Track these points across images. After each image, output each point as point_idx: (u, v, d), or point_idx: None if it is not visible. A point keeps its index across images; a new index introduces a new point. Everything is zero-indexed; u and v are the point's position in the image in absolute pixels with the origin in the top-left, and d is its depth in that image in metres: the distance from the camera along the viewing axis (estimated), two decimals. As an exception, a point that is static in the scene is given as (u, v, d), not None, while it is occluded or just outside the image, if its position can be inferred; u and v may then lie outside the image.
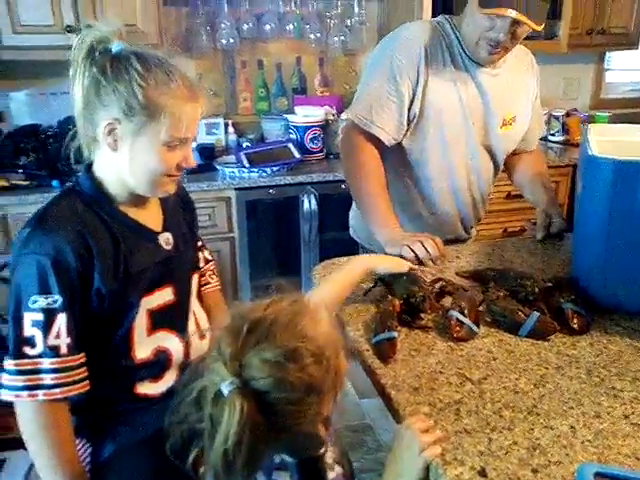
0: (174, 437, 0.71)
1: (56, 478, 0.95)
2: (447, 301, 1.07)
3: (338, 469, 0.75)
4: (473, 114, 1.40)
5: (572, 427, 0.76)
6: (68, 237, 0.93)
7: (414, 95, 1.35)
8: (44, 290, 0.91)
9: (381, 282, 1.14)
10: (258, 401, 0.65)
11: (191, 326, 1.13)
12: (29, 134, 2.26)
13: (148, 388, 1.05)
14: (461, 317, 0.99)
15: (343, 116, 2.60)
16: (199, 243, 1.26)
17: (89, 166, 1.02)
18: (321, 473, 0.52)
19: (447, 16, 1.41)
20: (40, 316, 0.91)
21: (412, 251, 1.22)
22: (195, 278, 1.16)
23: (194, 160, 1.03)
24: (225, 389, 0.65)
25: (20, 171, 2.17)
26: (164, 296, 1.06)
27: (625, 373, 0.89)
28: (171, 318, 1.08)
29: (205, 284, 1.28)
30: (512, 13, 1.21)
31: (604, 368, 0.90)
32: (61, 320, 0.92)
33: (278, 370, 0.65)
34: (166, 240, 1.08)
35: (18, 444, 1.87)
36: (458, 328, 0.98)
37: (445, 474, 0.68)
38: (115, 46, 0.93)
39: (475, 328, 0.99)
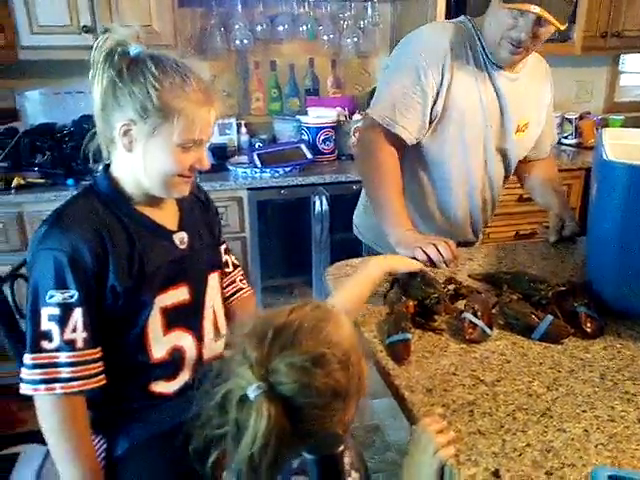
0: (196, 440, 0.72)
1: (74, 471, 0.97)
2: (461, 304, 1.08)
3: (355, 475, 0.76)
4: (491, 117, 1.41)
5: (586, 430, 0.77)
6: (85, 235, 0.95)
7: (437, 95, 1.35)
8: (61, 285, 0.93)
9: (397, 283, 1.14)
10: (284, 406, 0.65)
11: (207, 326, 1.13)
12: (45, 133, 2.29)
13: (162, 387, 1.07)
14: (474, 319, 0.99)
15: (355, 117, 2.61)
16: (223, 246, 1.26)
17: (107, 166, 1.04)
18: (339, 471, 0.53)
19: (468, 17, 1.41)
20: (57, 310, 0.93)
21: (425, 254, 1.22)
22: (214, 278, 1.17)
23: (209, 162, 1.04)
24: (252, 393, 0.65)
25: (36, 169, 2.20)
26: (178, 295, 1.07)
27: (639, 377, 0.89)
28: (186, 317, 1.09)
29: (238, 290, 1.29)
30: (536, 9, 1.20)
31: (617, 372, 0.90)
32: (77, 314, 0.94)
33: (305, 375, 0.66)
34: (181, 239, 1.09)
35: (33, 438, 1.91)
36: (471, 330, 0.99)
37: (459, 475, 0.69)
38: (133, 49, 0.95)
39: (488, 330, 0.99)
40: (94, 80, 0.97)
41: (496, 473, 0.69)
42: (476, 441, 0.75)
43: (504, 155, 1.49)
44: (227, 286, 1.27)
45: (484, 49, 1.37)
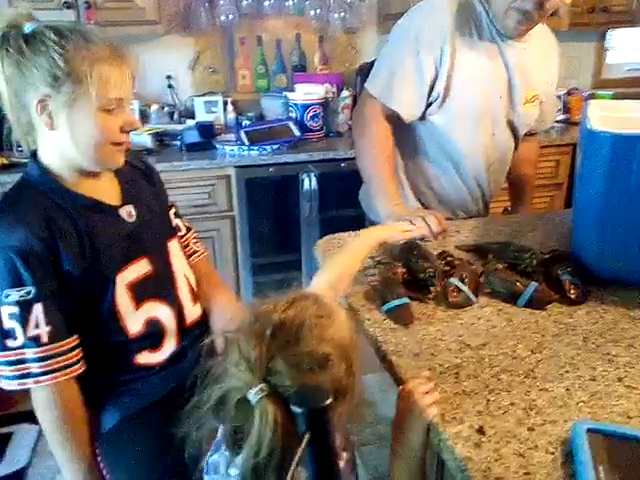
0: (191, 445, 0.69)
1: (64, 452, 0.99)
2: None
3: (345, 455, 0.78)
4: (500, 88, 1.41)
5: (567, 389, 0.79)
6: (29, 227, 0.93)
7: (439, 70, 1.35)
8: (15, 283, 0.92)
9: (390, 255, 1.15)
10: (288, 409, 0.60)
11: (182, 293, 1.13)
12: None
13: (148, 358, 1.07)
14: (460, 284, 1.01)
15: (343, 94, 2.60)
16: (172, 210, 1.24)
17: (34, 153, 1.01)
18: (327, 424, 0.54)
19: None
20: (15, 309, 0.92)
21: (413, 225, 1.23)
22: (175, 245, 1.16)
23: (138, 121, 1.02)
24: (253, 397, 0.61)
25: (20, 149, 2.17)
26: (140, 268, 1.05)
27: (620, 340, 0.91)
28: (155, 288, 1.08)
29: (192, 253, 1.28)
30: None
31: (600, 335, 0.92)
32: (37, 310, 0.93)
33: (308, 378, 0.62)
34: (128, 213, 1.07)
35: (23, 418, 1.92)
36: (455, 294, 1.01)
37: (445, 432, 0.71)
38: (27, 27, 0.92)
39: (472, 297, 1.01)
40: None
41: (480, 430, 0.71)
42: (461, 401, 0.76)
43: (512, 127, 1.49)
44: (187, 247, 1.27)
45: (491, 20, 1.35)
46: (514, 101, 1.44)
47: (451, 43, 1.33)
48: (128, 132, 1.00)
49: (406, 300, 0.98)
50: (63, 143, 0.97)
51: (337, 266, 1.01)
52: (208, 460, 0.75)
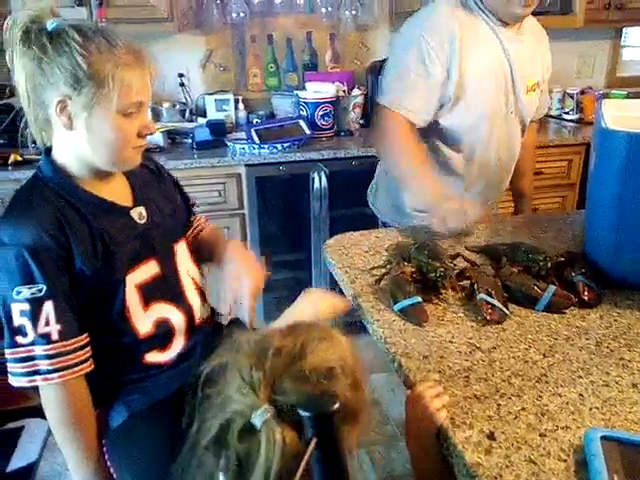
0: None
1: (72, 450, 0.99)
2: (466, 283, 1.07)
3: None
4: (506, 80, 1.43)
5: (580, 395, 0.78)
6: (42, 225, 0.93)
7: (449, 74, 1.36)
8: (27, 280, 0.92)
9: (399, 253, 1.14)
10: (297, 429, 0.57)
11: (189, 294, 1.13)
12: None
13: (157, 357, 1.07)
14: (490, 300, 0.98)
15: (354, 92, 2.59)
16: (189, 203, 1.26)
17: (48, 150, 1.01)
18: (334, 429, 0.53)
19: None
20: (26, 306, 0.92)
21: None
22: (182, 246, 1.16)
23: (154, 125, 1.02)
24: (258, 420, 0.57)
25: (33, 145, 2.18)
26: (149, 270, 1.06)
27: (634, 345, 0.89)
28: (163, 289, 1.08)
29: (202, 229, 1.28)
30: None
31: (614, 339, 0.91)
32: (48, 307, 0.93)
33: (314, 389, 0.59)
34: (139, 214, 1.07)
35: (34, 413, 1.93)
36: (490, 311, 0.97)
37: (455, 437, 0.70)
38: (50, 23, 0.91)
39: (505, 310, 0.98)
40: (14, 63, 0.93)
41: (491, 435, 0.70)
42: (472, 405, 0.75)
43: (520, 117, 1.51)
44: (194, 228, 1.27)
45: (487, 15, 1.38)
46: (518, 91, 1.45)
47: (458, 46, 1.34)
48: (145, 136, 1.00)
49: (419, 299, 0.97)
50: (80, 144, 0.97)
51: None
52: None
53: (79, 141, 0.96)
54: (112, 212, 1.03)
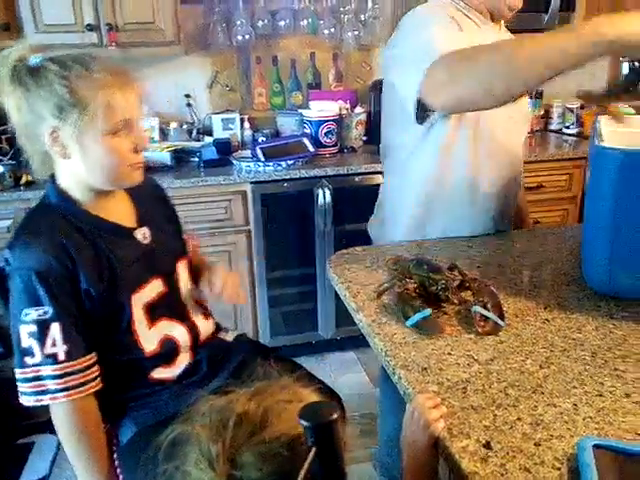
0: None
1: (82, 465, 1.02)
2: (467, 295, 1.08)
3: None
4: None
5: (575, 405, 0.80)
6: (49, 249, 0.96)
7: None
8: (34, 303, 0.95)
9: (398, 269, 1.17)
10: None
11: (193, 310, 1.17)
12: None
13: (162, 373, 1.10)
14: (484, 312, 0.99)
15: (357, 110, 2.64)
16: (182, 232, 1.28)
17: (52, 176, 1.04)
18: (335, 438, 0.56)
19: None
20: (34, 327, 0.95)
21: None
22: (183, 266, 1.19)
23: (146, 139, 1.05)
24: None
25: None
26: (154, 289, 1.09)
27: (629, 356, 0.91)
28: (168, 307, 1.11)
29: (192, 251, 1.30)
30: None
31: (608, 351, 0.93)
32: (55, 329, 0.95)
33: (280, 464, 0.57)
34: (143, 235, 1.10)
35: (44, 428, 1.96)
36: (482, 323, 0.99)
37: (451, 446, 0.72)
38: (32, 60, 0.95)
39: (500, 322, 0.99)
40: (7, 103, 0.97)
41: (487, 445, 0.72)
42: (468, 416, 0.78)
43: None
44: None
45: (475, 15, 1.31)
46: None
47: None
48: (139, 151, 1.03)
49: (428, 311, 0.99)
50: (78, 170, 1.00)
51: None
52: None
53: (77, 167, 0.99)
54: (117, 233, 1.06)
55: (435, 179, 1.37)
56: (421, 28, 1.24)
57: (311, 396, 0.67)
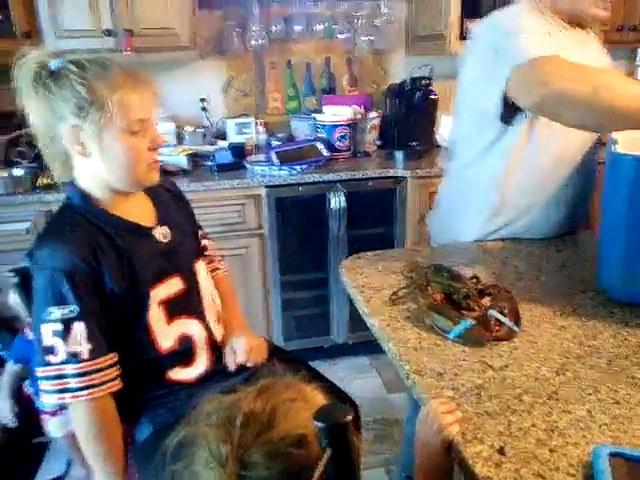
0: None
1: (99, 464, 1.03)
2: (487, 301, 1.08)
3: None
4: None
5: (590, 412, 0.79)
6: (75, 248, 0.98)
7: None
8: (59, 301, 0.97)
9: (414, 276, 1.17)
10: None
11: (208, 312, 1.18)
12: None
13: (180, 374, 1.11)
14: (500, 317, 1.00)
15: (371, 115, 2.64)
16: (200, 232, 1.31)
17: (73, 179, 1.07)
18: (349, 440, 0.56)
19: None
20: (59, 326, 0.97)
21: None
22: (201, 264, 1.21)
23: (162, 138, 1.07)
24: None
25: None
26: (172, 286, 1.11)
27: (645, 363, 0.91)
28: (186, 305, 1.13)
29: (214, 269, 1.34)
30: None
31: (625, 358, 0.92)
32: (79, 328, 0.97)
33: (287, 462, 0.58)
34: (162, 233, 1.12)
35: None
36: (497, 327, 0.99)
37: (465, 451, 0.72)
38: (53, 64, 0.99)
39: (515, 328, 0.99)
40: (28, 105, 1.00)
41: (501, 450, 0.72)
42: (483, 421, 0.78)
43: None
44: (210, 261, 1.32)
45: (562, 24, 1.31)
46: None
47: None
48: (156, 149, 1.06)
49: (474, 321, 0.98)
50: (97, 169, 1.03)
51: None
52: None
53: (96, 166, 1.02)
54: (137, 233, 1.09)
55: (503, 180, 1.37)
56: (512, 27, 1.23)
57: (315, 394, 0.67)
